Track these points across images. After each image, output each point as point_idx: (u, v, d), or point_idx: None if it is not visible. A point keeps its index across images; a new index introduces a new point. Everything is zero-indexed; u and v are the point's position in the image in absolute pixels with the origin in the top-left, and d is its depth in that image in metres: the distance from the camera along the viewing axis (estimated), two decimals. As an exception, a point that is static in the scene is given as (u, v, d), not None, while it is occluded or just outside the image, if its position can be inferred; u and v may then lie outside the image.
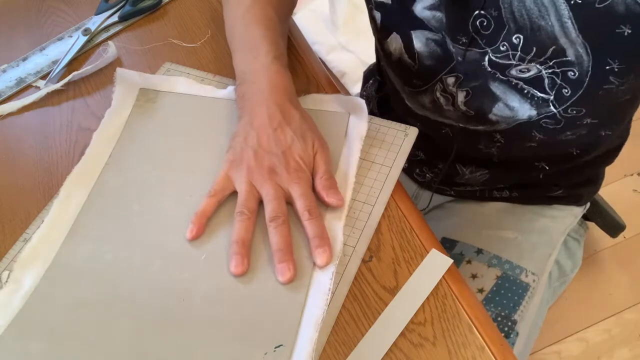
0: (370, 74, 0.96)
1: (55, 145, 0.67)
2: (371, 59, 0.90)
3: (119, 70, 0.69)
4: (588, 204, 0.85)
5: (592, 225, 1.23)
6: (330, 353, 0.50)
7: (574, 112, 0.59)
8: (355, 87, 1.44)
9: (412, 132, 0.63)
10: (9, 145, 0.68)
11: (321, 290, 0.52)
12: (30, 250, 0.56)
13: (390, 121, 0.64)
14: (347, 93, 1.27)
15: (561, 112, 0.60)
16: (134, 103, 0.67)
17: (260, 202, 0.56)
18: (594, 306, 1.30)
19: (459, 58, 0.61)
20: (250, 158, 0.57)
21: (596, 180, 0.83)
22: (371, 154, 0.61)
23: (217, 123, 0.65)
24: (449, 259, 0.54)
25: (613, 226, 1.22)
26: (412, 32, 0.63)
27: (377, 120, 0.64)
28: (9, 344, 0.51)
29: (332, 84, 0.69)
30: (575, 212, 0.82)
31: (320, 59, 1.09)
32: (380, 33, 0.69)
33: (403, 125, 0.63)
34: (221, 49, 0.74)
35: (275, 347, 0.49)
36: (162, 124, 0.66)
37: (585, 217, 0.89)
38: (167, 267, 0.55)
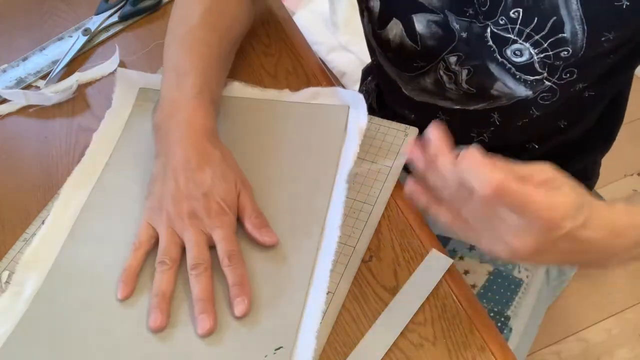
0: (369, 70, 0.96)
1: (55, 145, 0.67)
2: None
3: (119, 70, 0.69)
4: None
5: (592, 225, 1.23)
6: (330, 353, 0.50)
7: (567, 75, 0.60)
8: (355, 87, 1.43)
9: (412, 132, 0.63)
10: (9, 145, 0.68)
11: (320, 291, 0.51)
12: (31, 252, 0.56)
13: (390, 121, 0.64)
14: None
15: (555, 81, 0.60)
16: (133, 103, 0.67)
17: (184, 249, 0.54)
18: (594, 306, 1.30)
19: (463, 34, 0.61)
20: (169, 204, 0.54)
21: (590, 175, 0.83)
22: (371, 154, 0.61)
23: (217, 121, 0.65)
24: (449, 259, 0.54)
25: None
26: (413, 15, 0.63)
27: (377, 120, 0.64)
28: (14, 350, 0.51)
29: (332, 84, 0.69)
30: None
31: (320, 59, 1.09)
32: (379, 21, 0.68)
33: (403, 125, 0.63)
34: (221, 49, 0.74)
35: (275, 349, 0.49)
36: None
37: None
38: None
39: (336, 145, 0.61)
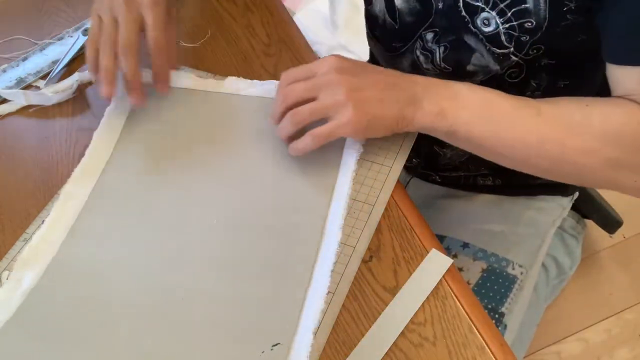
0: None
1: (55, 145, 0.67)
2: (371, 58, 0.90)
3: None
4: (576, 194, 0.85)
5: (591, 225, 1.24)
6: (330, 353, 0.50)
7: (534, 51, 0.60)
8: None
9: (412, 132, 0.63)
10: (9, 145, 0.68)
11: (320, 290, 0.52)
12: (30, 250, 0.57)
13: None
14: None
15: (522, 56, 0.61)
16: None
17: None
18: (594, 306, 1.30)
19: (439, 4, 0.62)
20: None
21: None
22: (371, 153, 0.61)
23: (217, 118, 0.65)
24: (449, 259, 0.55)
25: (609, 222, 1.22)
26: None
27: None
28: (6, 342, 0.51)
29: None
30: (562, 203, 0.82)
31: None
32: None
33: None
34: (221, 49, 0.74)
35: (273, 346, 0.49)
36: (162, 121, 0.66)
37: (583, 215, 0.89)
38: (166, 267, 0.55)
39: (338, 144, 0.61)
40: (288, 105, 0.57)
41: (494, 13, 0.58)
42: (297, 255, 0.54)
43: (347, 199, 0.57)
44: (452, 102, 0.56)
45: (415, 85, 0.56)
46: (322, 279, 0.52)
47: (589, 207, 1.08)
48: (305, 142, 0.57)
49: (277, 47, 0.73)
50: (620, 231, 1.28)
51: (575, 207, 0.85)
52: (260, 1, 0.79)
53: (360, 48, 1.47)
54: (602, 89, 0.72)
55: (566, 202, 0.83)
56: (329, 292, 0.52)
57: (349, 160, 0.60)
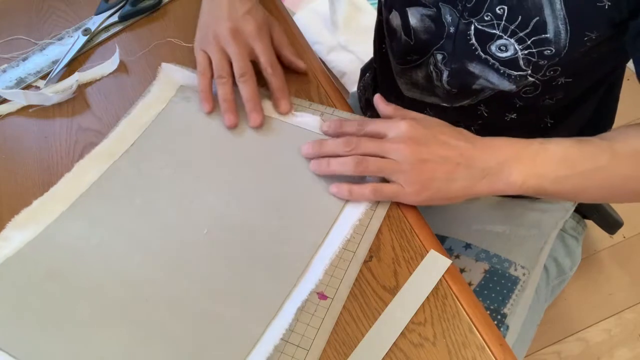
0: (366, 68, 0.97)
1: (55, 145, 0.67)
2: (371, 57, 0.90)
3: (164, 65, 0.70)
4: None
5: (591, 225, 1.24)
6: (330, 353, 0.50)
7: (551, 72, 0.61)
8: (355, 87, 1.44)
9: None
10: (9, 145, 0.68)
11: (278, 329, 0.51)
12: (27, 213, 0.59)
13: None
14: (347, 93, 1.27)
15: (539, 77, 0.62)
16: (170, 99, 0.68)
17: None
18: (594, 306, 1.30)
19: (451, 29, 0.62)
20: (213, 25, 0.64)
21: None
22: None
23: (242, 132, 0.65)
24: (447, 259, 0.54)
25: (610, 223, 1.22)
26: (407, 9, 0.65)
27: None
28: None
29: (332, 84, 0.69)
30: (565, 206, 0.82)
31: (320, 59, 1.09)
32: (385, 11, 0.72)
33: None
34: (221, 49, 0.74)
35: None
36: (189, 124, 0.66)
37: (583, 215, 0.90)
38: (143, 265, 0.56)
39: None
40: (351, 154, 0.57)
41: (512, 40, 0.58)
42: (273, 287, 0.54)
43: (337, 248, 0.56)
44: (528, 171, 0.54)
45: (491, 158, 0.54)
46: (287, 316, 0.52)
47: (590, 208, 1.08)
48: (363, 193, 0.56)
49: (277, 47, 0.73)
50: (620, 231, 1.28)
51: (575, 208, 0.85)
52: (260, 1, 0.79)
53: (360, 48, 1.47)
54: (604, 96, 0.72)
55: (569, 205, 0.83)
56: (328, 297, 0.52)
57: (354, 213, 0.58)
